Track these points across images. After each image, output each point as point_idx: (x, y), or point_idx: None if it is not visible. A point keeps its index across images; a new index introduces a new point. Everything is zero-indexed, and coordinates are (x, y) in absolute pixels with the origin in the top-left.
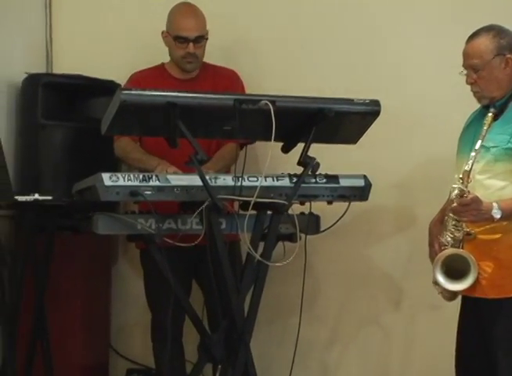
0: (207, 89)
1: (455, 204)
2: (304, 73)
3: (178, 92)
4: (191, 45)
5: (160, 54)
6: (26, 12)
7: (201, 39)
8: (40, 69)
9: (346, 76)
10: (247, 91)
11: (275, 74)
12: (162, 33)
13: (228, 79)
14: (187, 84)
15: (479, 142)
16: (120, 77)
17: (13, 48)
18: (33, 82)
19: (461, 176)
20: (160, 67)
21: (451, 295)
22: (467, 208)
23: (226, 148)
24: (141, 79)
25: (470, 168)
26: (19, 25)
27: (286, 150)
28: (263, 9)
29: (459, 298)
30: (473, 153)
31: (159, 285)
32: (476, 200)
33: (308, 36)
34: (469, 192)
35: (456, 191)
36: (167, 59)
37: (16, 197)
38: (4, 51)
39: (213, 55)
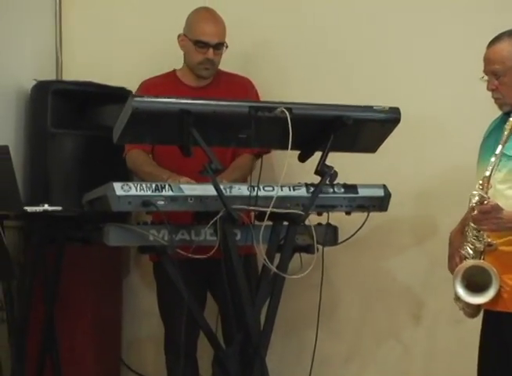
0: (220, 97)
1: (475, 212)
2: (325, 80)
3: (192, 99)
4: (211, 50)
5: (171, 61)
6: (35, 17)
7: (221, 46)
8: (49, 76)
9: (366, 83)
10: (267, 98)
11: (295, 81)
12: (178, 36)
13: (242, 87)
14: (200, 92)
15: (500, 147)
16: (132, 84)
17: (22, 55)
18: (42, 89)
19: (481, 182)
20: (172, 74)
21: (473, 312)
22: (488, 216)
23: (242, 158)
24: (152, 87)
25: (490, 174)
26: (29, 31)
27: (303, 158)
28: (283, 15)
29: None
30: (493, 159)
31: (172, 298)
32: (496, 208)
33: (329, 43)
34: (489, 198)
35: (476, 198)
36: (178, 65)
37: (25, 208)
38: (13, 57)
39: (231, 61)
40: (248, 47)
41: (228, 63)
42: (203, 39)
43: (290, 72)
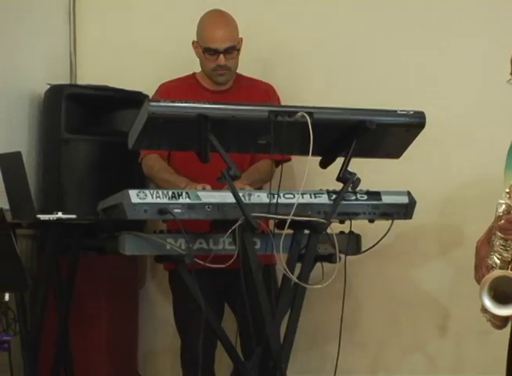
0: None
1: (502, 221)
2: (345, 85)
3: (210, 103)
4: (221, 56)
5: (190, 63)
6: (48, 20)
7: (232, 50)
8: (63, 80)
9: (388, 87)
10: (286, 103)
11: (314, 86)
12: (193, 43)
13: (263, 92)
14: (220, 96)
15: None
16: (148, 88)
17: (35, 58)
18: (56, 94)
19: (508, 191)
20: (191, 78)
21: (500, 323)
22: None
23: (262, 162)
24: (170, 90)
25: None
26: (42, 34)
27: (324, 164)
28: (301, 19)
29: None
30: None
31: (189, 309)
32: None
33: (349, 47)
34: None
35: (503, 207)
36: (198, 68)
37: (38, 216)
38: (25, 61)
39: (249, 66)
40: (266, 51)
41: (247, 68)
42: (211, 46)
43: (309, 76)
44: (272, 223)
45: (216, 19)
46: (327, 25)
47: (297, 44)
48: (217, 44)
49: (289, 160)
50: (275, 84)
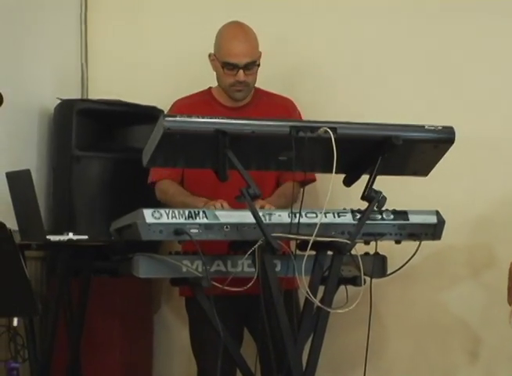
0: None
1: None
2: (372, 99)
3: (228, 118)
4: (241, 72)
5: (206, 78)
6: (59, 32)
7: (252, 65)
8: (74, 94)
9: (416, 102)
10: (310, 119)
11: (340, 100)
12: (209, 56)
13: (284, 108)
14: (237, 113)
15: None
16: (163, 103)
17: (45, 72)
18: (66, 109)
19: None
20: (207, 93)
21: None
22: None
23: (286, 185)
24: (185, 106)
25: None
26: (52, 46)
27: (348, 182)
28: (325, 31)
29: None
30: None
31: (206, 334)
32: None
33: (376, 60)
34: None
35: None
36: (214, 83)
37: (48, 237)
38: (34, 74)
39: (271, 80)
40: (289, 65)
41: (269, 82)
42: (230, 61)
43: (334, 91)
44: (293, 244)
45: (236, 32)
46: (352, 38)
47: (321, 57)
48: (236, 59)
49: (313, 180)
50: (297, 99)
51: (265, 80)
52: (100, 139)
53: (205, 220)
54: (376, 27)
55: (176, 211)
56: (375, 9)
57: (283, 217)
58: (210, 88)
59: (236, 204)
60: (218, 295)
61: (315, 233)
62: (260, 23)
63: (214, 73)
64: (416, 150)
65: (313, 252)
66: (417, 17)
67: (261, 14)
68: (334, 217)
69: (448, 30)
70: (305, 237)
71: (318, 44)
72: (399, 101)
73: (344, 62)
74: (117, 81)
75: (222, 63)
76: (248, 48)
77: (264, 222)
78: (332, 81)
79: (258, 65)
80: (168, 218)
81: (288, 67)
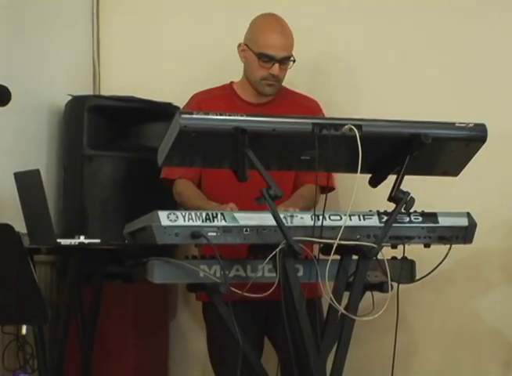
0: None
1: None
2: (402, 96)
3: (248, 115)
4: (276, 65)
5: (225, 71)
6: (70, 26)
7: (288, 60)
8: (86, 90)
9: (447, 98)
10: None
11: (368, 96)
12: (239, 46)
13: (307, 109)
14: (259, 110)
15: None
16: (179, 99)
17: (55, 67)
18: (78, 106)
19: None
20: (228, 88)
21: None
22: None
23: (306, 188)
24: (204, 102)
25: None
26: (63, 40)
27: (374, 183)
28: (351, 26)
29: None
30: None
31: (225, 343)
32: None
33: (406, 56)
34: None
35: None
36: (234, 78)
37: (59, 241)
38: (44, 70)
39: (297, 74)
40: (316, 59)
41: (294, 76)
42: (268, 52)
43: (362, 87)
44: (316, 248)
45: (275, 23)
46: (379, 33)
47: (350, 51)
48: (275, 51)
49: (333, 189)
50: (321, 98)
51: (286, 77)
52: (113, 137)
53: (223, 223)
54: (405, 21)
55: (193, 213)
56: (403, 2)
57: (305, 219)
58: (231, 82)
59: (255, 206)
60: (237, 301)
61: (339, 236)
62: (286, 14)
63: (238, 68)
64: (447, 148)
65: (337, 257)
66: (444, 13)
67: (284, 8)
68: (359, 219)
69: (480, 25)
70: (329, 241)
71: (342, 39)
72: (428, 98)
73: (371, 58)
74: (131, 77)
75: (258, 54)
76: (287, 42)
77: (285, 224)
78: (357, 78)
79: (294, 61)
80: (185, 220)
81: (312, 64)
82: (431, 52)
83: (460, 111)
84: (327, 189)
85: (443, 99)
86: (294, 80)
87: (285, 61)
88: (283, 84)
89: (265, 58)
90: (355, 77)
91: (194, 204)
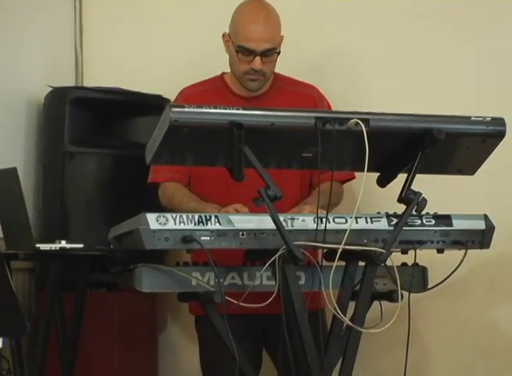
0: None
1: None
2: (410, 90)
3: (244, 109)
4: (257, 59)
5: (218, 62)
6: (50, 11)
7: (272, 52)
8: (67, 82)
9: (462, 91)
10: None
11: (373, 92)
12: (223, 36)
13: (309, 98)
14: (254, 103)
15: None
16: (169, 91)
17: (34, 56)
18: (58, 98)
19: None
20: (219, 80)
21: None
22: None
23: (327, 185)
24: (194, 96)
25: None
26: (42, 27)
27: (383, 182)
28: (358, 15)
29: None
30: None
31: (220, 358)
32: None
33: (414, 45)
34: None
35: None
36: (226, 68)
37: (38, 245)
38: (22, 60)
39: (295, 69)
40: (317, 55)
41: (293, 71)
42: (247, 45)
43: (368, 82)
44: (319, 254)
45: (256, 12)
46: (387, 21)
47: (353, 43)
48: (254, 44)
49: (353, 177)
50: (326, 90)
51: (289, 69)
52: (97, 132)
53: (218, 226)
54: (414, 10)
55: (184, 216)
56: None
57: (307, 222)
58: (223, 73)
59: (251, 209)
60: (233, 313)
61: (344, 240)
62: (285, 7)
63: (226, 58)
64: (461, 144)
65: (342, 263)
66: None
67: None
68: (367, 222)
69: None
70: (333, 246)
71: (349, 28)
72: (441, 90)
73: (379, 48)
74: (116, 67)
75: (237, 47)
76: (268, 33)
77: (285, 228)
78: (365, 69)
79: (278, 53)
80: (176, 223)
81: (315, 55)
82: (436, 46)
83: (475, 106)
84: (347, 178)
85: (453, 95)
86: (291, 74)
87: (268, 53)
88: (280, 71)
89: (245, 51)
90: (356, 74)
91: (189, 206)
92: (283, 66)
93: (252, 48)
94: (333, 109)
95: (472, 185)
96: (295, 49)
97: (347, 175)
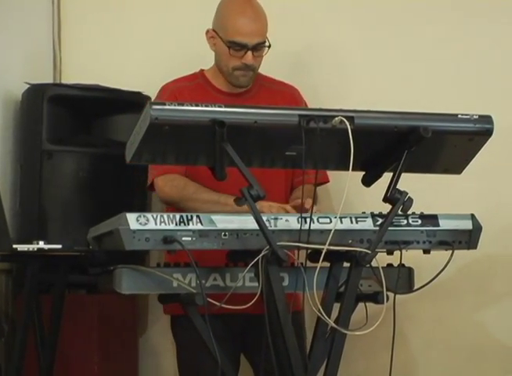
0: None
1: None
2: (397, 87)
3: (226, 106)
4: (249, 54)
5: (197, 60)
6: (27, 6)
7: (262, 46)
8: (45, 78)
9: (449, 88)
10: None
11: (358, 88)
12: (207, 32)
13: (290, 97)
14: (236, 100)
15: None
16: (149, 88)
17: (11, 52)
18: (36, 95)
19: None
20: (200, 76)
21: None
22: None
23: (307, 187)
24: (174, 92)
25: None
26: (19, 22)
27: (368, 181)
28: (340, 7)
29: None
30: None
31: (200, 361)
32: None
33: (401, 40)
34: None
35: None
36: (207, 64)
37: (15, 246)
38: None
39: (274, 65)
40: (299, 49)
41: (272, 67)
42: (239, 40)
43: (351, 76)
44: (303, 254)
45: (244, 5)
46: (372, 15)
47: (335, 38)
48: (247, 38)
49: (326, 182)
50: (307, 86)
51: (267, 65)
52: (76, 130)
53: (199, 226)
54: (397, 8)
55: (165, 216)
56: None
57: (291, 222)
58: (202, 70)
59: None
60: (213, 313)
61: (328, 241)
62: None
63: (210, 54)
64: (448, 143)
65: (327, 264)
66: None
67: None
68: (351, 222)
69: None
70: (317, 246)
71: (331, 22)
72: (424, 91)
73: (363, 43)
74: (95, 64)
75: (228, 43)
76: (259, 26)
77: (269, 228)
78: (348, 65)
79: (269, 46)
80: (156, 223)
81: (296, 50)
82: (426, 40)
83: (462, 103)
84: (318, 184)
85: (442, 91)
86: (271, 70)
87: (259, 47)
88: (268, 69)
89: (236, 46)
90: (342, 70)
91: (208, 197)
92: (267, 62)
93: (244, 42)
94: (319, 106)
95: (459, 184)
96: (279, 45)
97: (321, 178)
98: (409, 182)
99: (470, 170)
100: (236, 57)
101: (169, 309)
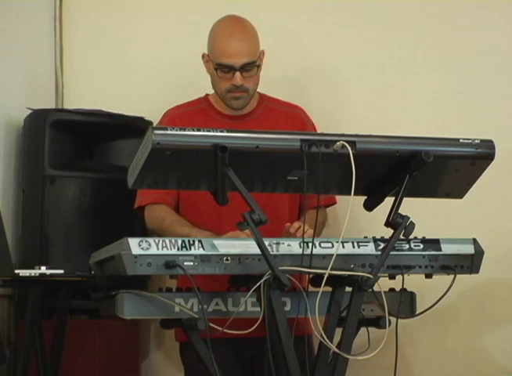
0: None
1: None
2: (398, 111)
3: (228, 131)
4: (237, 75)
5: (203, 84)
6: (30, 33)
7: (251, 66)
8: (47, 104)
9: (450, 112)
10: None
11: (358, 110)
12: (203, 56)
13: (295, 119)
14: (239, 123)
15: None
16: (151, 113)
17: (13, 77)
18: (38, 121)
19: None
20: (204, 101)
21: None
22: None
23: (311, 213)
24: (178, 117)
25: None
26: (22, 49)
27: (370, 206)
28: (341, 28)
29: None
30: None
31: None
32: None
33: (402, 62)
34: None
35: None
36: (209, 89)
37: (17, 271)
38: (1, 81)
39: (276, 86)
40: (297, 69)
41: (272, 87)
42: (224, 62)
43: (352, 98)
44: (305, 279)
45: (231, 27)
46: (373, 36)
47: (336, 58)
48: (232, 59)
49: (334, 202)
50: (308, 109)
51: (267, 85)
52: (78, 155)
53: (201, 251)
54: (400, 22)
55: (167, 241)
56: (398, 4)
57: (293, 247)
58: (207, 94)
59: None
60: (217, 339)
61: (330, 265)
62: (262, 17)
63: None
64: (450, 167)
65: (329, 289)
66: (449, 14)
67: (264, 8)
68: (353, 247)
69: (482, 33)
70: (319, 271)
71: (332, 43)
72: (429, 111)
73: (364, 64)
74: (97, 89)
75: (216, 65)
76: (246, 46)
77: (271, 252)
78: (349, 86)
79: (259, 66)
80: (158, 248)
81: (296, 70)
82: (422, 62)
83: (464, 126)
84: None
85: (441, 113)
86: (270, 90)
87: (247, 68)
88: (264, 92)
89: (224, 68)
90: (338, 91)
91: (180, 231)
92: (263, 81)
93: (230, 63)
94: (316, 126)
95: (461, 209)
96: (275, 65)
97: (329, 200)
98: (411, 206)
99: (471, 194)
100: (226, 79)
101: (181, 336)
